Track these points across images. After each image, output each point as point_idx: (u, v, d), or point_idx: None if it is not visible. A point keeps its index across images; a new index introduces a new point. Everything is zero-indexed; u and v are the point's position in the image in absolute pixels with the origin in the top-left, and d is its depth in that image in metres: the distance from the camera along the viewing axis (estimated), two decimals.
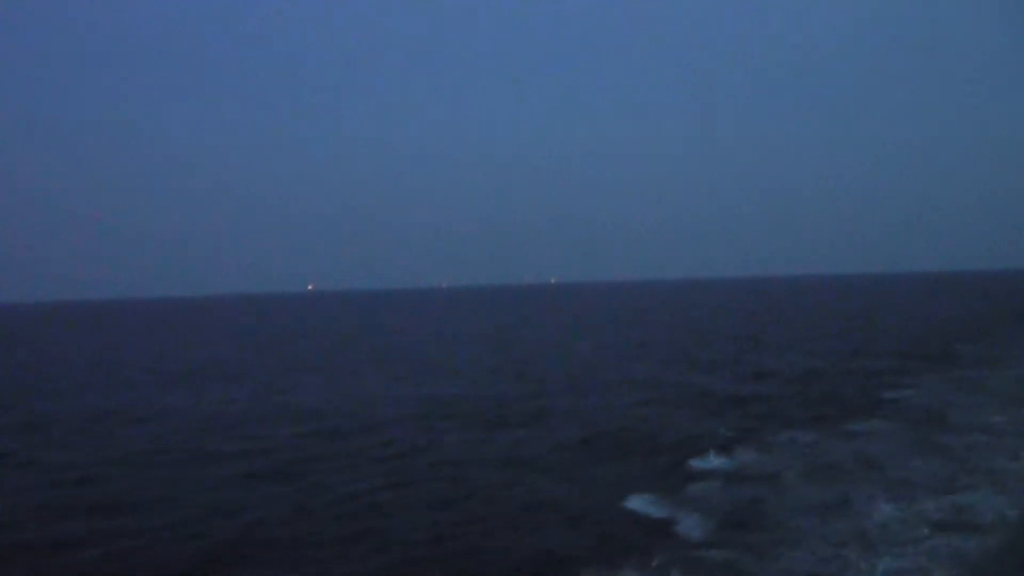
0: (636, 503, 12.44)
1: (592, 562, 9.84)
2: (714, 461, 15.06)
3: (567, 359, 35.97)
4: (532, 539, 11.05)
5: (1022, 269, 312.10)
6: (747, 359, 33.28)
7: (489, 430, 19.11)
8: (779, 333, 48.75)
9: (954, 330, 44.46)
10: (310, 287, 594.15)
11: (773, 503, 12.30)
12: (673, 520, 11.52)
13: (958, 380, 24.22)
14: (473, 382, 28.25)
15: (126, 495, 13.85)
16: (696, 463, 14.93)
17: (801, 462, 14.81)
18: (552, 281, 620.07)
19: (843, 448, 15.85)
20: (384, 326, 74.89)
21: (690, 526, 11.26)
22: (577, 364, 33.67)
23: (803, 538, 10.59)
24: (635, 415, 20.61)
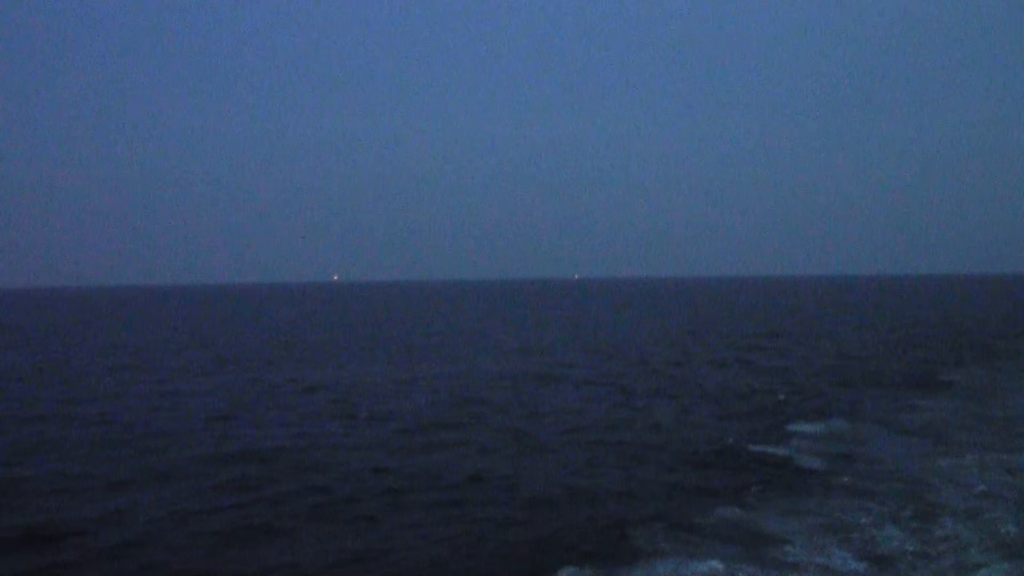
0: (759, 448, 16.24)
1: (750, 483, 13.68)
2: (806, 426, 18.72)
3: (653, 344, 39.82)
4: (699, 467, 14.91)
5: None
6: (805, 347, 36.96)
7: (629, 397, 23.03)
8: (829, 326, 52.48)
9: (990, 329, 48.29)
10: (335, 277, 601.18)
11: (864, 451, 16.05)
12: (793, 458, 15.31)
13: (1000, 369, 27.93)
14: (576, 358, 32.08)
15: None
16: (792, 427, 18.59)
17: (879, 426, 18.56)
18: (576, 277, 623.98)
19: (911, 417, 19.56)
20: (447, 316, 78.87)
21: (808, 462, 15.06)
22: (663, 348, 37.43)
23: (894, 471, 14.35)
24: (727, 387, 24.47)
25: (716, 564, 9.96)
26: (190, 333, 56.12)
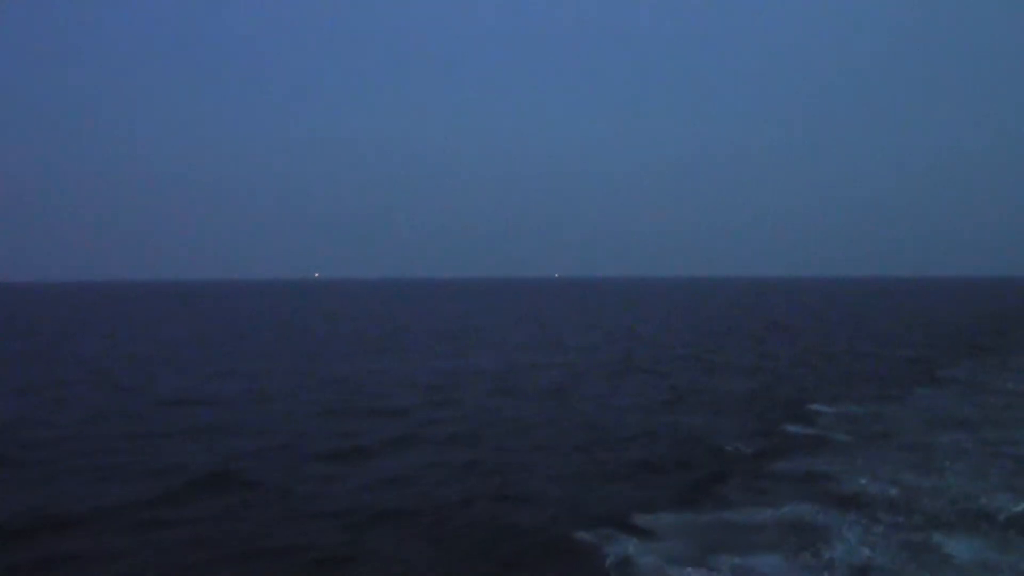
0: (791, 428, 18.84)
1: (793, 448, 16.40)
2: (825, 408, 21.39)
3: (678, 341, 42.61)
4: (750, 439, 17.48)
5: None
6: (805, 344, 39.84)
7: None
8: (825, 325, 55.73)
9: (978, 328, 52.14)
10: (316, 275, 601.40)
11: (879, 428, 18.69)
12: (824, 436, 17.92)
13: (990, 364, 31.02)
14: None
15: None
16: (814, 407, 21.35)
17: (892, 408, 21.33)
18: (556, 276, 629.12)
19: (919, 403, 22.33)
20: (479, 311, 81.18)
21: (839, 438, 17.68)
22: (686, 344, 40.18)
23: (907, 443, 17.02)
24: (748, 375, 27.24)
25: (788, 496, 12.99)
26: (230, 327, 58.05)
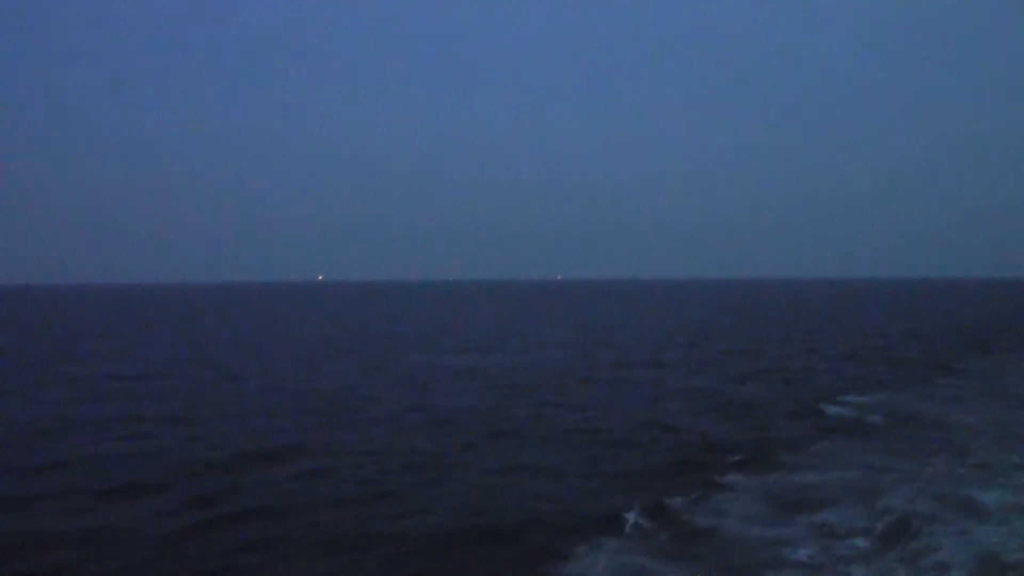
0: (832, 409, 21.53)
1: (834, 429, 19.07)
2: (858, 397, 23.99)
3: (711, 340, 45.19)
4: (795, 419, 20.09)
5: None
6: (828, 340, 42.44)
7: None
8: (845, 324, 58.54)
9: (984, 328, 54.97)
10: (320, 277, 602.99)
11: (907, 413, 21.24)
12: (861, 417, 20.52)
13: (997, 360, 33.73)
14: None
15: None
16: (846, 397, 23.91)
17: (912, 397, 23.88)
18: (558, 277, 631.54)
19: (935, 392, 24.96)
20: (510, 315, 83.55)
21: (874, 419, 20.29)
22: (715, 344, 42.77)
23: (932, 425, 19.55)
24: (785, 368, 30.10)
25: (834, 464, 15.56)
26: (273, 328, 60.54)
